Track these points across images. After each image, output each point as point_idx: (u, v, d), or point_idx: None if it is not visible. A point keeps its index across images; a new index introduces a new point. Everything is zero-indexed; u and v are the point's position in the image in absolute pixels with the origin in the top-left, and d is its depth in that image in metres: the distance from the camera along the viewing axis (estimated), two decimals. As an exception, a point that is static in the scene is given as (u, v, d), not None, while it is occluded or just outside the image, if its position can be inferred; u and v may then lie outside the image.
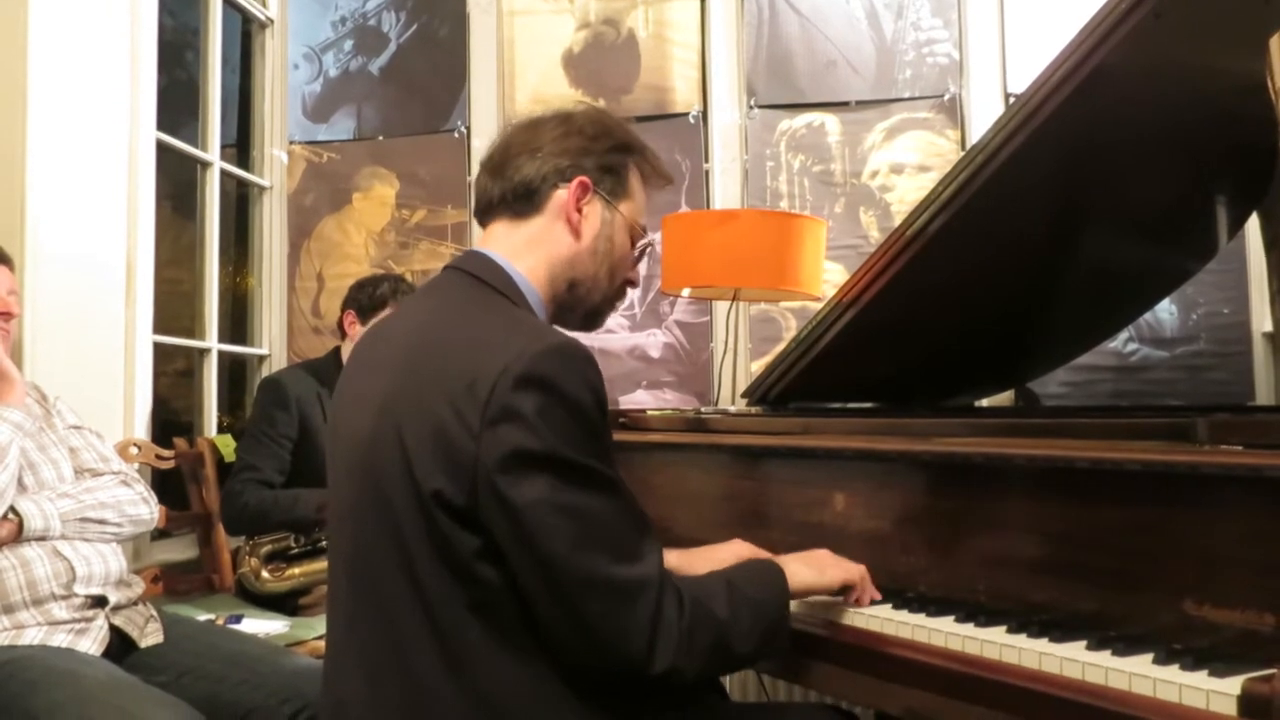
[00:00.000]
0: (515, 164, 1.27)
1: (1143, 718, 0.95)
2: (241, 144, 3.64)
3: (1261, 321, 2.86)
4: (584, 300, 1.31)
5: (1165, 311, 2.95)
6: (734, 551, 1.42)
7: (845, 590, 1.31)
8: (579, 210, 1.26)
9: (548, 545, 1.04)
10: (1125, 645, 1.04)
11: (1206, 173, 1.73)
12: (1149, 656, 1.01)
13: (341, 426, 1.24)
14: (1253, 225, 1.90)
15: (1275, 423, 1.05)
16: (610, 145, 1.29)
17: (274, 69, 3.65)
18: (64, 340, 2.37)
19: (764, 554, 1.41)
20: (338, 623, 1.20)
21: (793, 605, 1.25)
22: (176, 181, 3.24)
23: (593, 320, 1.35)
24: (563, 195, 1.26)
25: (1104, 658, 1.03)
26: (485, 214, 1.31)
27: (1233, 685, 0.92)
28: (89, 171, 2.53)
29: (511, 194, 1.27)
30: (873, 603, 1.32)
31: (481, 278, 1.23)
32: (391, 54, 3.61)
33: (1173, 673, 0.97)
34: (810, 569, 1.29)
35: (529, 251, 1.26)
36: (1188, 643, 1.03)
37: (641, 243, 1.35)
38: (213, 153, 3.31)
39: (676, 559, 1.44)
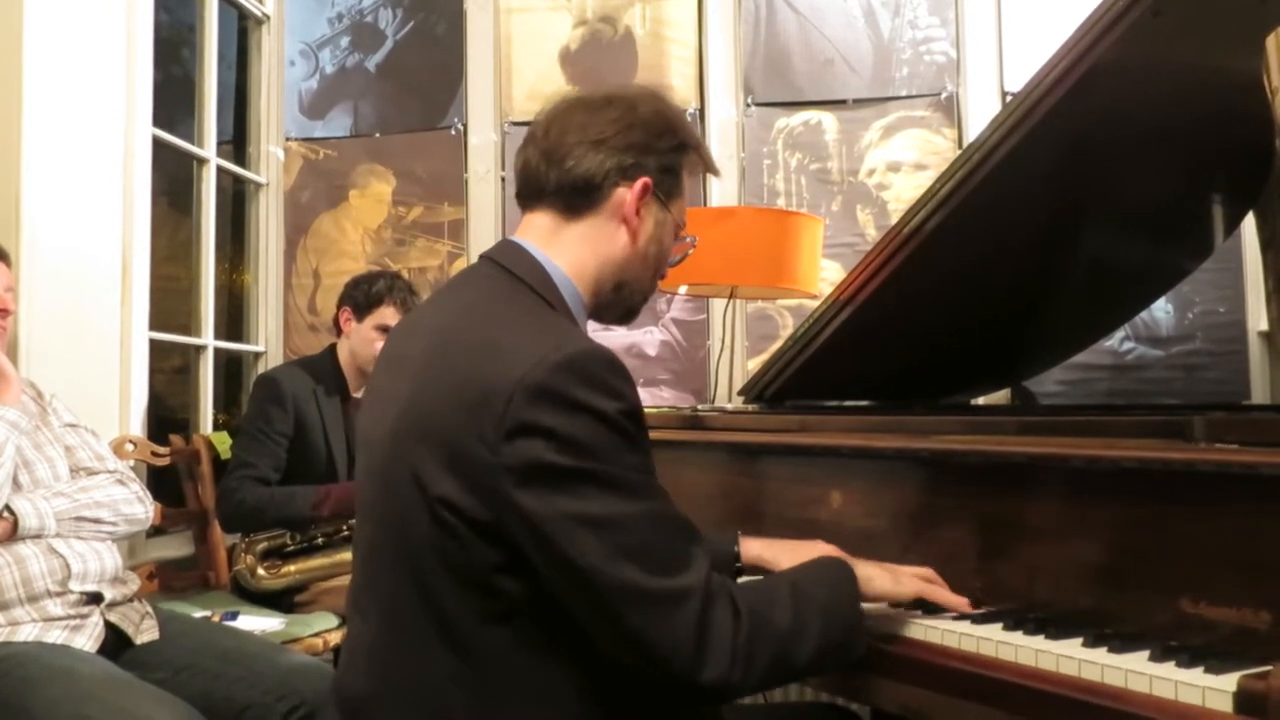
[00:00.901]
0: (575, 153, 1.18)
1: (1139, 714, 0.95)
2: (238, 141, 3.63)
3: (1257, 320, 2.86)
4: (627, 300, 1.26)
5: (1161, 310, 2.95)
6: (820, 551, 1.33)
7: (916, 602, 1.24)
8: (638, 213, 1.20)
9: (578, 560, 0.99)
10: (1121, 642, 1.04)
11: (1203, 171, 1.73)
12: (1145, 654, 1.01)
13: (364, 424, 1.22)
14: (1249, 224, 1.90)
15: (1271, 421, 1.06)
16: (673, 144, 1.22)
17: (270, 65, 3.65)
18: (59, 337, 2.37)
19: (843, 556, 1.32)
20: (354, 621, 1.19)
21: None
22: (172, 178, 3.24)
23: (629, 316, 1.30)
24: (624, 194, 1.19)
25: (1100, 655, 1.03)
26: (532, 199, 1.22)
27: (1229, 682, 0.92)
28: (85, 168, 2.52)
29: (569, 187, 1.18)
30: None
31: (515, 272, 1.17)
32: (388, 51, 3.61)
33: (1169, 670, 0.97)
34: (886, 575, 1.21)
35: (577, 248, 1.20)
36: (1184, 640, 1.03)
37: (684, 240, 1.29)
38: (209, 149, 3.31)
39: (760, 548, 1.38)
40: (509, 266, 1.18)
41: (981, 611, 1.22)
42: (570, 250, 1.20)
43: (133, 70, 2.72)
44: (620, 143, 1.18)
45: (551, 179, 1.19)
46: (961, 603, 1.23)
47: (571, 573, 1.00)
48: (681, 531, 1.06)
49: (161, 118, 2.93)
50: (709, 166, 1.30)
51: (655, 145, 1.20)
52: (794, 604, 1.08)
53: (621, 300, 1.26)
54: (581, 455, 1.00)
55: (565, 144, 1.18)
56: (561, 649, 1.06)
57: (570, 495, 1.00)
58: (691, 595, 1.01)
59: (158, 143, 2.92)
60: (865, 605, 1.21)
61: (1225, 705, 0.91)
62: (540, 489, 1.00)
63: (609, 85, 1.28)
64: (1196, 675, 0.95)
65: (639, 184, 1.19)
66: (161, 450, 2.69)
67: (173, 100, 3.20)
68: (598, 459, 1.01)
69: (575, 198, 1.19)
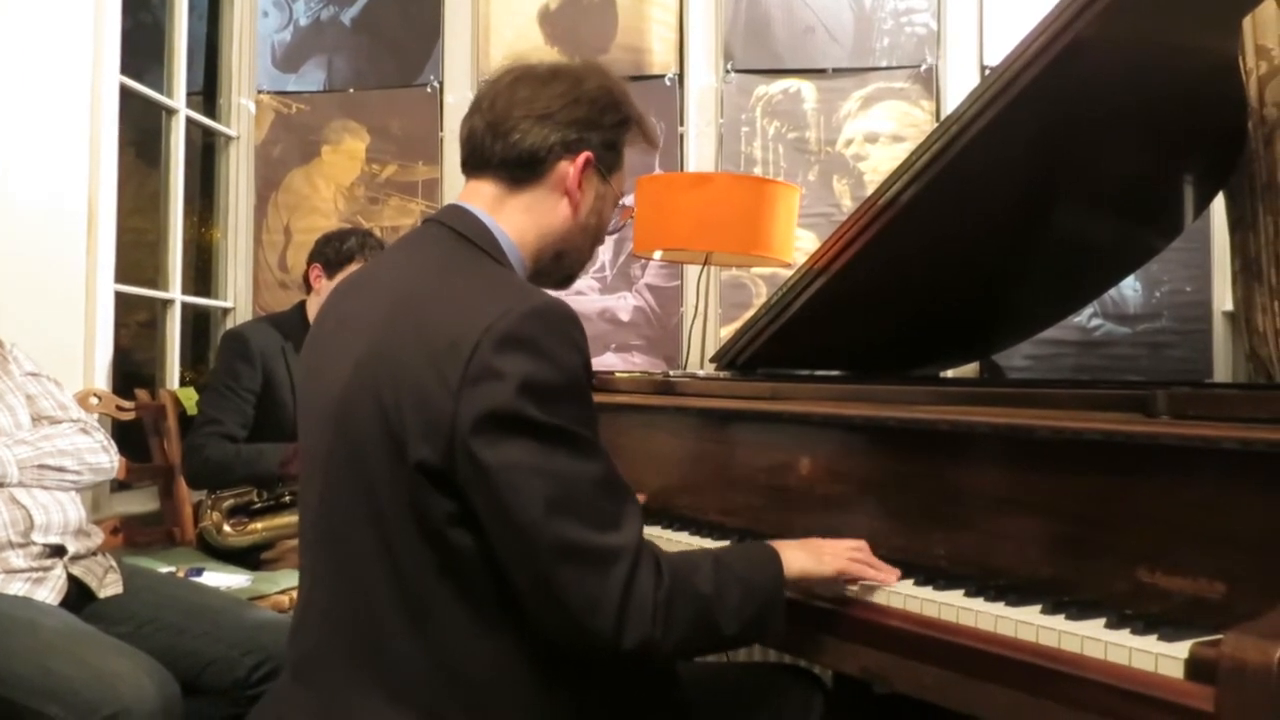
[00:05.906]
0: (520, 127, 1.20)
1: (1094, 679, 0.98)
2: (208, 92, 3.56)
3: (1223, 300, 2.91)
4: (566, 268, 1.31)
5: (1129, 288, 2.99)
6: None
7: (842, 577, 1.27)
8: (580, 187, 1.24)
9: (522, 509, 1.01)
10: (1079, 610, 1.06)
11: (1176, 151, 1.74)
12: (1101, 621, 1.03)
13: (312, 380, 1.21)
14: (1218, 205, 1.92)
15: (1231, 398, 1.08)
16: (616, 119, 1.25)
17: (242, 15, 3.57)
18: (22, 286, 2.33)
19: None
20: (305, 577, 1.20)
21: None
22: (140, 129, 3.17)
23: (567, 283, 1.34)
24: (566, 168, 1.22)
25: (1058, 621, 1.05)
26: (477, 169, 1.25)
27: (1181, 649, 0.94)
28: (50, 115, 2.46)
29: (514, 161, 1.21)
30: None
31: (464, 234, 1.19)
32: (364, 4, 3.54)
33: (1124, 637, 0.99)
34: (809, 556, 1.24)
35: (520, 217, 1.22)
36: (1140, 608, 1.06)
37: (620, 205, 1.33)
38: (178, 100, 3.24)
39: None
40: (459, 229, 1.20)
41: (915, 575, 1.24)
42: (514, 219, 1.23)
43: (101, 16, 2.65)
44: (565, 118, 1.21)
45: (497, 151, 1.22)
46: (888, 578, 1.26)
47: (513, 522, 1.02)
48: (620, 491, 1.09)
49: (130, 66, 2.86)
50: (650, 140, 1.33)
51: (599, 121, 1.24)
52: (715, 574, 1.11)
53: (561, 268, 1.30)
54: (539, 404, 1.02)
55: (511, 117, 1.21)
56: (511, 609, 1.06)
57: (521, 445, 1.02)
58: (623, 555, 1.04)
59: (126, 92, 2.85)
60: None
61: (1177, 671, 0.93)
62: (494, 436, 1.01)
63: (552, 58, 1.31)
64: (1150, 642, 0.97)
65: (581, 158, 1.23)
66: (127, 405, 2.66)
67: (142, 49, 3.13)
68: (553, 411, 1.03)
69: (519, 170, 1.22)
